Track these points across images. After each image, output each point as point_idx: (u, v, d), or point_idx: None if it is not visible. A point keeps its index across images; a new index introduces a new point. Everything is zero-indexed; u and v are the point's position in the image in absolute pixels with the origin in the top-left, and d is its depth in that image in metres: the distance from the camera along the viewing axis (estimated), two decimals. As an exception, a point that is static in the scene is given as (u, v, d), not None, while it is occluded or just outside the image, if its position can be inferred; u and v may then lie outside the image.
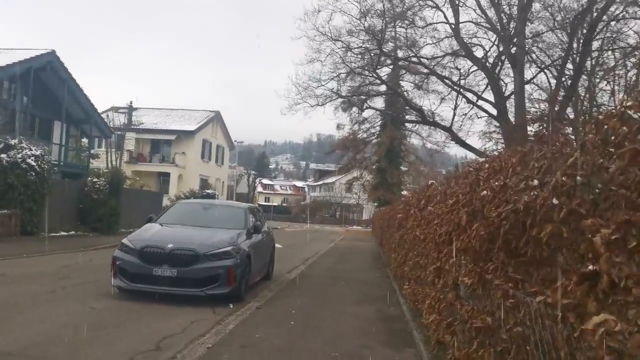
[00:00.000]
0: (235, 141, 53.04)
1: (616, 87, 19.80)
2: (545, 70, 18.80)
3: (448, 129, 20.45)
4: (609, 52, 19.00)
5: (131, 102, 46.18)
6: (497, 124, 20.18)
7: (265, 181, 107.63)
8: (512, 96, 18.81)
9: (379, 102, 44.46)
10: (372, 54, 20.19)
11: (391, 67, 25.60)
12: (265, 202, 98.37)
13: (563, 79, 17.24)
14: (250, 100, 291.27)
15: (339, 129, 45.93)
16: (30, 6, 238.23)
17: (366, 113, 45.52)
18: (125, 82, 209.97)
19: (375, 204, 49.59)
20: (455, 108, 20.38)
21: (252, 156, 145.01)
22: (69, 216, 21.35)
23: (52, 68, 26.87)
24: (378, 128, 48.30)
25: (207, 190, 37.72)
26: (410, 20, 19.69)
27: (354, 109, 42.79)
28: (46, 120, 28.78)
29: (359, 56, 21.04)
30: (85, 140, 36.27)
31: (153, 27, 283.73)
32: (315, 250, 20.93)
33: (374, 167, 49.49)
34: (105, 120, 39.36)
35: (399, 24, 19.81)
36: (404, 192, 44.97)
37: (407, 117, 31.40)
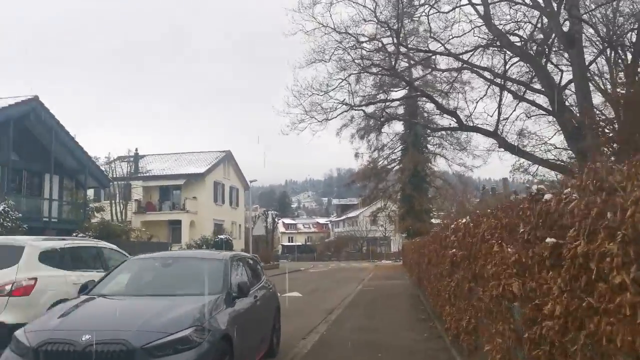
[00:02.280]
0: (250, 181, 50.03)
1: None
2: (606, 50, 15.24)
3: (493, 134, 16.86)
4: None
5: (137, 150, 44.11)
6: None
7: (287, 220, 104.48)
8: (567, 87, 15.39)
9: (398, 124, 41.31)
10: (388, 50, 16.95)
11: (407, 87, 22.45)
12: (288, 242, 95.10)
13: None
14: (266, 141, 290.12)
15: (357, 157, 42.77)
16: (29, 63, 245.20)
17: (385, 138, 42.29)
18: (131, 134, 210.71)
19: (404, 235, 45.84)
20: (500, 106, 16.87)
21: (273, 196, 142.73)
22: (51, 280, 18.35)
23: (37, 116, 24.56)
24: (399, 153, 45.08)
25: (220, 236, 34.68)
26: (431, 4, 16.51)
27: (372, 134, 39.64)
28: (36, 173, 26.32)
29: (373, 53, 17.84)
30: (88, 193, 33.63)
31: (158, 77, 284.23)
32: (340, 297, 17.53)
33: (398, 195, 45.96)
34: (108, 171, 37.10)
35: (422, 13, 16.68)
36: (434, 221, 41.21)
37: (437, 126, 27.75)
